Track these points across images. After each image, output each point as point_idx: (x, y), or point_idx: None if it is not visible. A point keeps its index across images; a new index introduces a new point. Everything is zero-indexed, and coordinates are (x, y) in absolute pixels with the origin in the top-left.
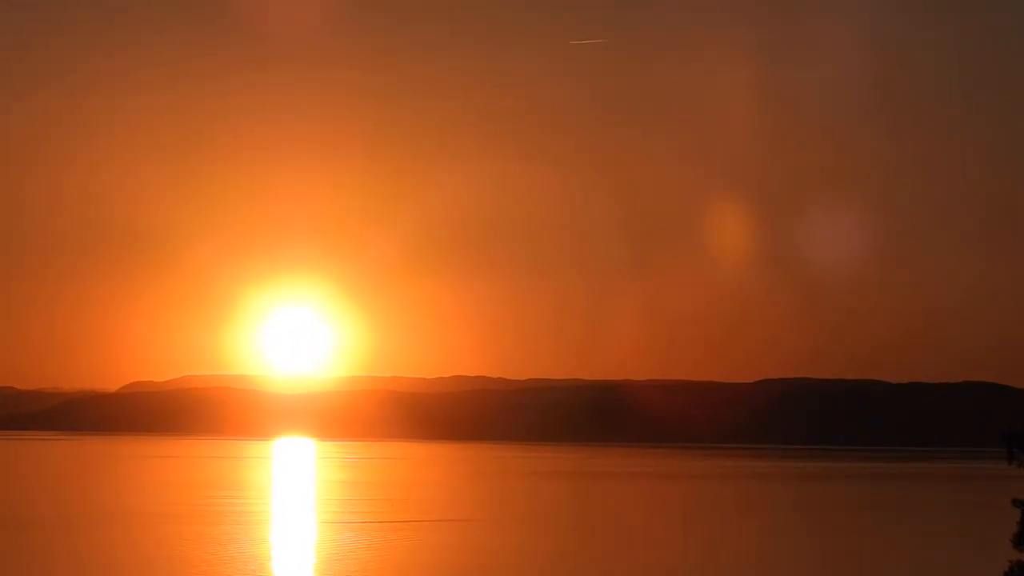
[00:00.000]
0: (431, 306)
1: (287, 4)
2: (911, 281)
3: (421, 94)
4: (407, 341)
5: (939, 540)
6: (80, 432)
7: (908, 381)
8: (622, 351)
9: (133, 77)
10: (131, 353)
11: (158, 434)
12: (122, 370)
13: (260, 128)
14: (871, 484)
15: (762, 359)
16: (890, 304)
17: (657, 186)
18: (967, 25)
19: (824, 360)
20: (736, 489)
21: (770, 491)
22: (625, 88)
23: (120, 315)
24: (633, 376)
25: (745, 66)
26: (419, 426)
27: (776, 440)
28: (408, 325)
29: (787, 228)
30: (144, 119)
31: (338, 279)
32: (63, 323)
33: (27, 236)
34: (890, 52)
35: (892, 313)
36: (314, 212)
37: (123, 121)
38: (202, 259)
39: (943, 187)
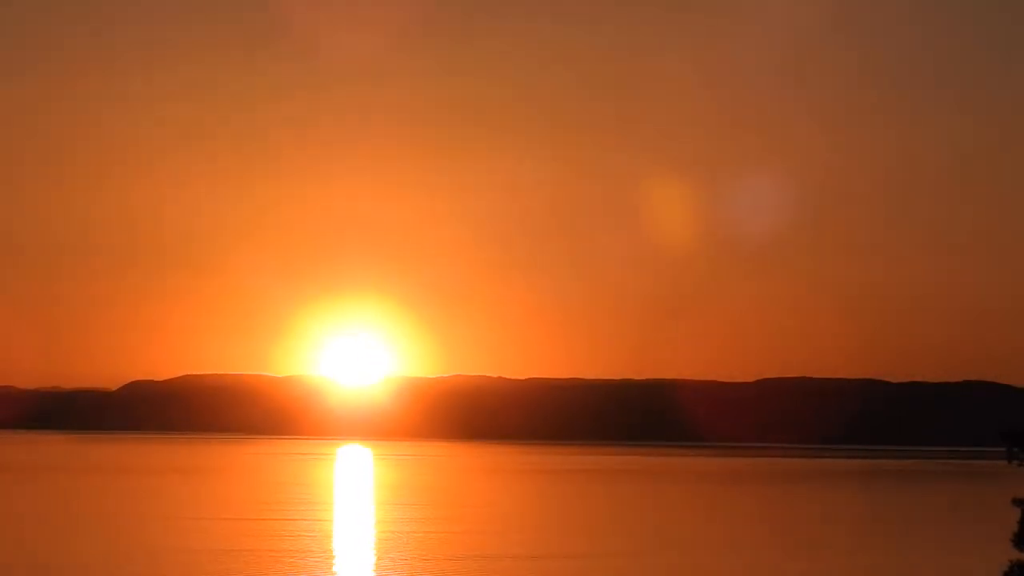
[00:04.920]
0: (431, 304)
1: (341, 16)
2: (911, 280)
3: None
4: (408, 341)
5: (938, 539)
6: (81, 431)
7: (908, 381)
8: (623, 350)
9: (174, 80)
10: (132, 352)
11: (161, 432)
12: (122, 369)
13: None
14: (869, 483)
15: (762, 358)
16: (890, 302)
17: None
18: (892, 6)
19: (824, 359)
20: (766, 491)
21: (785, 491)
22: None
23: (122, 315)
24: (634, 375)
25: (679, 53)
26: (426, 425)
27: (777, 439)
28: (408, 325)
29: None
30: (171, 110)
31: (344, 281)
32: (65, 322)
33: (30, 235)
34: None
35: (892, 312)
36: (319, 212)
37: (144, 107)
38: (209, 254)
39: (941, 184)
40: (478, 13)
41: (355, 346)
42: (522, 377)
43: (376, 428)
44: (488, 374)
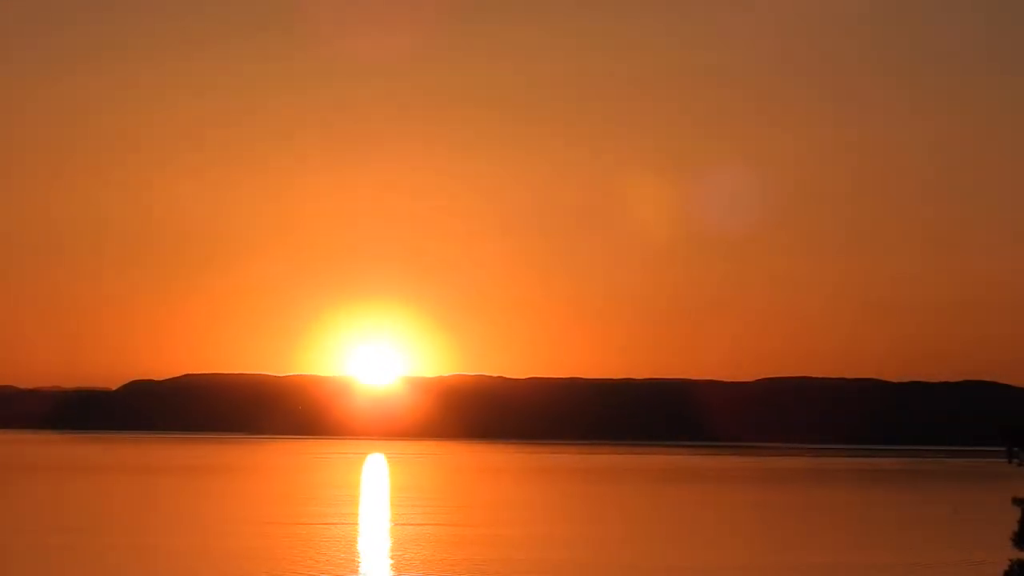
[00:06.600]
0: (430, 304)
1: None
2: (911, 279)
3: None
4: (407, 340)
5: (938, 538)
6: (81, 431)
7: (908, 381)
8: (623, 350)
9: (183, 73)
10: (132, 352)
11: (162, 432)
12: (123, 369)
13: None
14: (869, 482)
15: (762, 358)
16: (890, 302)
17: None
18: (867, 5)
19: (823, 359)
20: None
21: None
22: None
23: (122, 315)
24: (634, 375)
25: (653, 52)
26: (425, 425)
27: (778, 439)
28: (407, 325)
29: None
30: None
31: (347, 282)
32: (66, 322)
33: (31, 234)
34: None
35: (892, 311)
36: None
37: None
38: (209, 254)
39: (942, 182)
40: (481, 13)
41: (358, 347)
42: (522, 377)
43: (375, 428)
44: (488, 373)
